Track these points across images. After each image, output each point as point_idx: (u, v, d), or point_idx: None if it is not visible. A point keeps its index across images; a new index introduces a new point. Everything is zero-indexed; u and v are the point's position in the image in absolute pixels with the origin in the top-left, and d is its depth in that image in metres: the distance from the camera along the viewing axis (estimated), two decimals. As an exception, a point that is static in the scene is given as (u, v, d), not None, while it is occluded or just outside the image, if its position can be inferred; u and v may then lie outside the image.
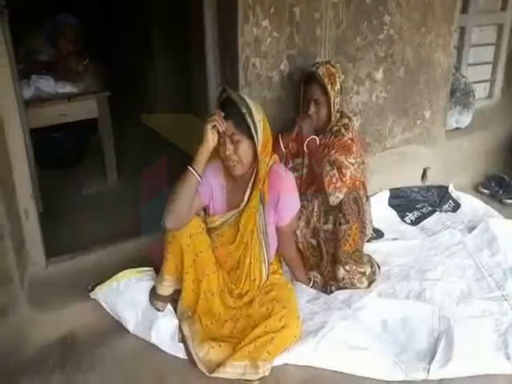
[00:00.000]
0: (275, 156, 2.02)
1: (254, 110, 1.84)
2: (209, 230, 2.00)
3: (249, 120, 1.81)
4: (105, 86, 3.16)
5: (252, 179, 1.93)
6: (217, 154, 1.91)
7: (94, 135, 3.49)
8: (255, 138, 1.84)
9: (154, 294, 2.04)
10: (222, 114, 1.83)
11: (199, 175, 1.84)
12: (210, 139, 1.82)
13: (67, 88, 3.05)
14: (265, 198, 1.94)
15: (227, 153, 1.86)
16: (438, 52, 2.87)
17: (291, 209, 2.02)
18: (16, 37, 2.23)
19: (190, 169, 1.83)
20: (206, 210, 2.05)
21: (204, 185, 1.93)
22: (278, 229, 2.06)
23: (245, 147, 1.86)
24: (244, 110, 1.80)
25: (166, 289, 2.02)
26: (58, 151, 3.35)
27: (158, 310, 2.02)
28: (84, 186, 3.21)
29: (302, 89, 2.21)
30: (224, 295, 2.03)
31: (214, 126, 1.81)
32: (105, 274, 2.16)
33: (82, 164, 3.50)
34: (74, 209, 2.89)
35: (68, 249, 2.35)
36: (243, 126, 1.82)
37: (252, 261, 2.00)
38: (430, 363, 1.83)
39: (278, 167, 1.99)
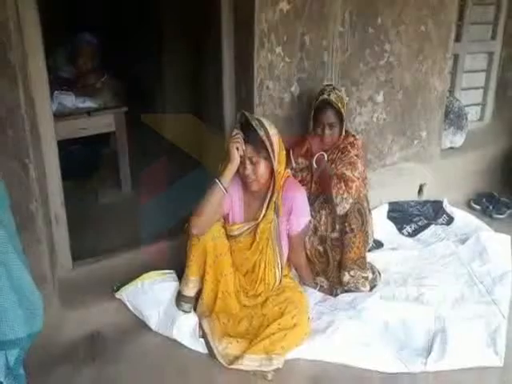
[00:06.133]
0: (288, 171, 2.23)
1: (271, 133, 2.03)
2: (227, 236, 2.19)
3: (267, 144, 2.00)
4: (122, 100, 3.36)
5: (269, 194, 2.12)
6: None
7: (106, 148, 3.69)
8: (272, 160, 2.03)
9: (179, 297, 2.21)
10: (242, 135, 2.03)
11: (225, 188, 2.03)
12: (237, 157, 2.01)
13: (87, 103, 3.22)
14: (279, 209, 2.14)
15: (246, 172, 2.05)
16: (434, 77, 3.09)
17: (303, 219, 2.22)
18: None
19: (217, 182, 2.03)
20: (225, 218, 2.23)
21: (226, 198, 2.11)
22: (289, 237, 2.25)
23: (262, 167, 2.05)
24: (262, 135, 1.99)
25: (191, 289, 2.19)
26: (75, 163, 3.52)
27: (185, 311, 2.17)
28: (100, 196, 3.39)
29: (313, 113, 2.41)
30: (239, 295, 2.21)
31: (238, 148, 2.00)
32: (126, 277, 2.32)
33: (95, 176, 3.64)
34: (91, 217, 3.06)
35: (89, 253, 2.51)
36: (261, 149, 2.02)
37: (266, 265, 2.18)
38: (427, 357, 2.01)
39: (292, 181, 2.20)
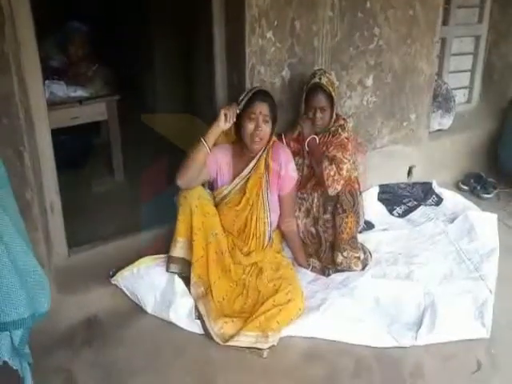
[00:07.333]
0: (274, 138, 2.36)
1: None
2: (216, 206, 2.28)
3: (275, 107, 2.26)
4: (113, 89, 3.37)
5: (260, 152, 2.26)
6: (226, 138, 2.30)
7: (96, 138, 3.70)
8: (276, 121, 2.26)
9: (168, 260, 2.28)
10: (238, 109, 2.18)
11: (209, 147, 2.16)
12: (222, 121, 2.17)
13: (78, 92, 3.23)
14: (269, 166, 2.26)
15: (258, 131, 2.19)
16: (422, 61, 3.12)
17: (291, 179, 2.33)
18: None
19: (202, 139, 2.15)
20: (212, 187, 2.34)
21: (212, 161, 2.25)
22: (279, 198, 2.35)
23: (269, 127, 2.24)
24: (272, 99, 2.27)
25: (179, 250, 2.26)
26: (66, 153, 3.52)
27: (174, 272, 2.25)
28: (93, 185, 3.40)
29: (304, 96, 2.45)
30: (234, 252, 2.30)
31: (226, 114, 2.14)
32: (121, 263, 2.35)
33: (88, 166, 3.65)
34: (86, 205, 3.08)
35: (84, 241, 2.53)
36: (273, 110, 2.24)
37: (258, 220, 2.29)
38: (417, 331, 2.08)
39: (279, 145, 2.36)
